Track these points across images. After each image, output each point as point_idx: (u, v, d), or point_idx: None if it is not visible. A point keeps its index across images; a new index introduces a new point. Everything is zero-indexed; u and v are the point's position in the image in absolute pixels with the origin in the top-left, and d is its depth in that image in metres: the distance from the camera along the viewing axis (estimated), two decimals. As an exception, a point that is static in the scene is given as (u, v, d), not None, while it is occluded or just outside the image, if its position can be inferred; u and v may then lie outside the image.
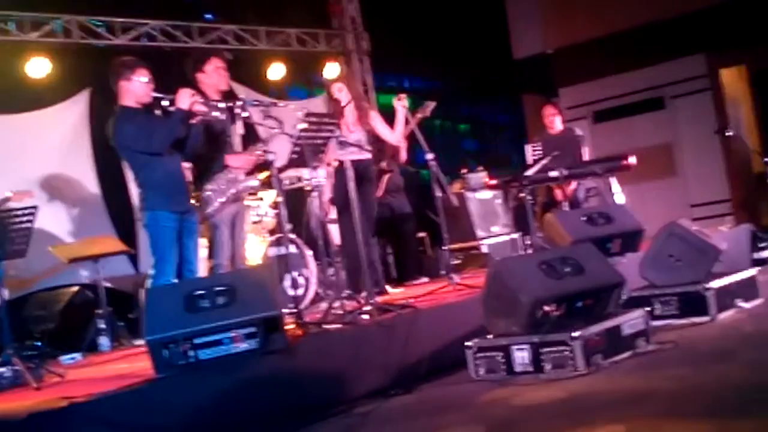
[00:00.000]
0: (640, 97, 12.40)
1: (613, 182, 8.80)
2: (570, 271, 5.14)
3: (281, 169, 6.25)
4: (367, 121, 7.31)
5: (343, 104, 7.20)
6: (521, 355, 4.84)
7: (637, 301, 5.65)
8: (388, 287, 7.29)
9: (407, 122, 7.36)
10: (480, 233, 9.75)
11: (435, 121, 13.26)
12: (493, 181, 9.10)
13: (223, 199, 6.43)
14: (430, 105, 7.97)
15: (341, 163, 6.76)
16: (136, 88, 5.98)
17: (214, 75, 6.58)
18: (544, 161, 7.89)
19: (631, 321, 5.03)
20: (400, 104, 7.34)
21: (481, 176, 9.86)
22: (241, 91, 9.69)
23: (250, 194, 8.03)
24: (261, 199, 8.00)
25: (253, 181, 6.64)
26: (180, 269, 6.00)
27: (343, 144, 6.47)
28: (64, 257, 7.59)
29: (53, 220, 8.37)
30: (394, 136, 7.39)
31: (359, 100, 7.44)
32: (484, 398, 4.56)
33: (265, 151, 6.11)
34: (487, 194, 9.98)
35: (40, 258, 7.43)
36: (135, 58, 6.17)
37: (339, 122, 6.98)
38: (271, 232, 8.03)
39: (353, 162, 6.61)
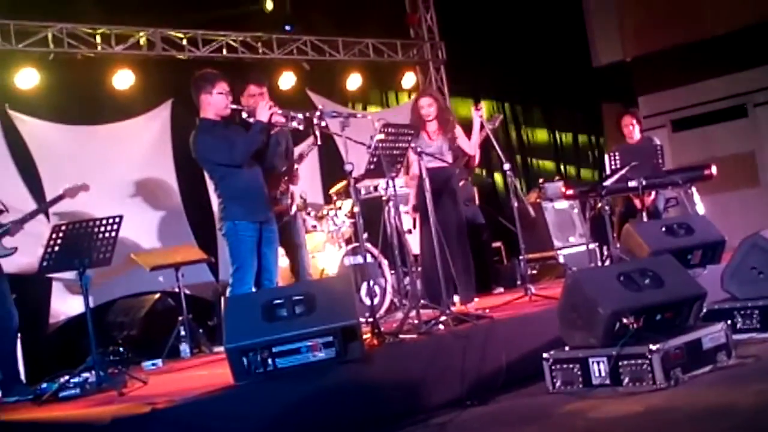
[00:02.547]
0: (721, 105, 12.15)
1: (694, 192, 8.70)
2: (649, 283, 5.08)
3: (358, 179, 6.23)
4: (450, 132, 7.31)
5: (430, 118, 7.20)
6: (599, 368, 4.80)
7: (718, 315, 5.58)
8: (456, 297, 7.28)
9: (481, 131, 7.38)
10: (557, 243, 9.71)
11: (512, 130, 13.24)
12: (570, 191, 9.05)
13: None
14: (498, 118, 7.99)
15: (429, 171, 6.74)
16: (217, 101, 6.01)
17: (252, 102, 6.49)
18: (622, 171, 7.79)
19: (711, 335, 4.97)
20: (478, 114, 7.39)
21: (558, 186, 9.82)
22: (319, 101, 9.55)
23: (327, 203, 8.19)
24: (339, 208, 8.07)
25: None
26: (259, 278, 6.02)
27: (420, 154, 6.51)
28: (147, 265, 7.67)
29: (136, 228, 8.40)
30: (471, 146, 7.41)
31: (445, 112, 7.44)
32: (561, 411, 4.54)
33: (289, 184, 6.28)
34: (564, 204, 9.94)
35: (123, 265, 7.52)
36: (215, 71, 6.20)
37: (420, 131, 7.05)
38: (348, 242, 8.06)
39: (432, 171, 6.63)
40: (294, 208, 6.94)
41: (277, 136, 6.46)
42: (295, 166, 6.96)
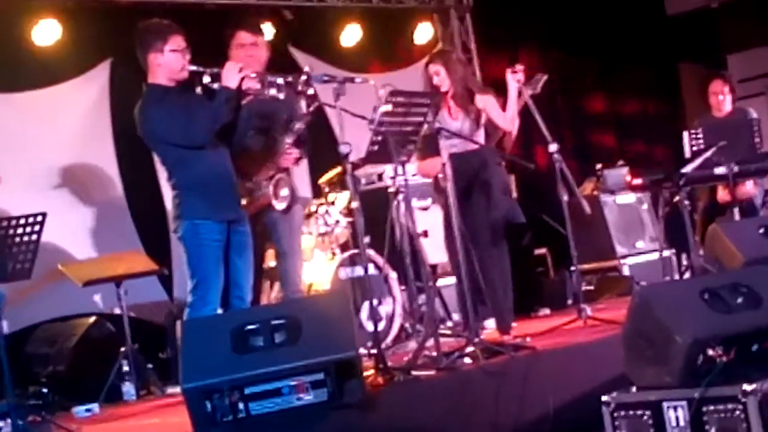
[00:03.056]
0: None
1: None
2: (742, 302, 5.02)
3: (357, 165, 6.30)
4: (473, 108, 7.34)
5: (443, 89, 7.24)
6: (676, 415, 4.78)
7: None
8: (488, 322, 7.38)
9: (519, 99, 7.36)
10: (620, 250, 9.77)
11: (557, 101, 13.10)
12: (638, 181, 8.99)
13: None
14: (541, 79, 7.97)
15: (452, 157, 6.83)
16: (170, 61, 6.02)
17: (241, 55, 6.65)
18: (707, 153, 7.78)
19: (825, 372, 5.00)
20: (514, 78, 7.34)
21: (621, 174, 9.86)
22: (305, 61, 9.80)
23: (316, 197, 8.28)
24: (331, 203, 8.08)
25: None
26: (226, 295, 6.06)
27: (440, 131, 6.55)
28: (78, 279, 7.61)
29: (64, 229, 8.42)
30: (506, 120, 7.38)
31: (464, 82, 7.44)
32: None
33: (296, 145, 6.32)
34: (629, 198, 10.02)
35: (47, 279, 7.57)
36: (167, 21, 6.21)
37: (437, 105, 7.01)
38: (343, 248, 8.06)
39: (456, 156, 6.72)
40: (282, 203, 6.87)
41: (251, 107, 6.48)
42: (285, 140, 6.90)
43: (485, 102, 7.37)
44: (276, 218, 6.84)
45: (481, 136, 7.32)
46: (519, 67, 7.48)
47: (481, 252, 6.72)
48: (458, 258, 6.42)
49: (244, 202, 6.43)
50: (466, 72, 7.66)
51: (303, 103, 6.58)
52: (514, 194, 9.25)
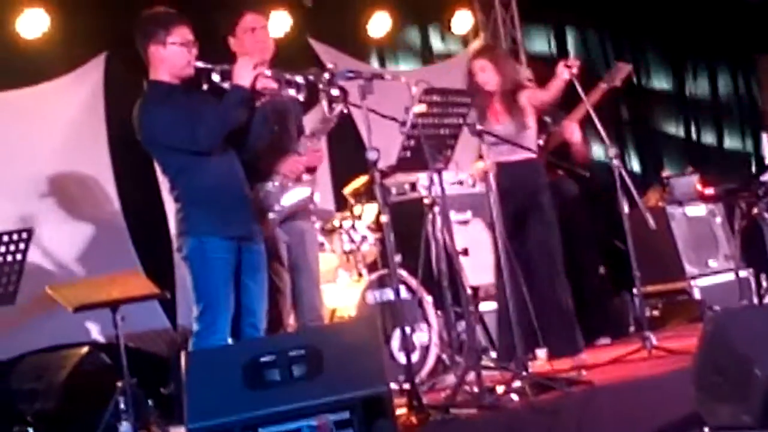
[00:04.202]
0: None
1: None
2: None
3: (387, 173, 6.46)
4: (520, 107, 7.45)
5: (488, 87, 7.35)
6: (756, 461, 4.82)
7: None
8: (539, 351, 7.38)
9: (584, 100, 7.44)
10: (690, 269, 9.67)
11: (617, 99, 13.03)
12: (711, 190, 9.17)
13: (278, 211, 6.56)
14: (623, 69, 7.96)
15: (498, 167, 7.00)
16: (174, 55, 6.02)
17: (249, 40, 6.67)
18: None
19: None
20: (566, 72, 7.33)
21: (691, 182, 9.86)
22: (327, 56, 9.83)
23: (339, 210, 8.30)
24: (357, 217, 8.11)
25: (302, 190, 6.72)
26: (237, 323, 6.05)
27: (481, 134, 6.64)
28: (69, 303, 7.48)
29: (53, 247, 8.46)
30: (547, 94, 7.45)
31: (513, 83, 7.54)
32: None
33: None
34: (700, 210, 9.93)
35: (35, 304, 7.59)
36: (171, 10, 6.20)
37: (482, 108, 7.25)
38: (371, 268, 8.11)
39: (503, 165, 6.92)
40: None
41: (266, 109, 6.49)
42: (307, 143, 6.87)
43: (529, 95, 7.50)
44: (289, 228, 6.80)
45: (532, 141, 7.41)
46: (574, 61, 7.46)
47: (533, 276, 6.79)
48: (504, 278, 6.48)
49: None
50: (516, 70, 7.79)
51: (325, 105, 6.45)
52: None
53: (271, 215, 6.51)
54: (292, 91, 6.11)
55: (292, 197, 6.63)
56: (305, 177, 6.73)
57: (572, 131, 7.94)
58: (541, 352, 7.31)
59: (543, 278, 7.26)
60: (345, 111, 6.33)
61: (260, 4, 8.85)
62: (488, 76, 7.43)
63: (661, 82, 13.82)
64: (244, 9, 6.80)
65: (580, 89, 7.37)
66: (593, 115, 7.29)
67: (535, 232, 7.36)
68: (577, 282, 8.33)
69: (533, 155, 7.39)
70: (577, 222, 8.79)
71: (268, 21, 7.04)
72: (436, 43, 11.90)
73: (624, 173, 7.18)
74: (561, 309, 7.35)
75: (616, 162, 7.19)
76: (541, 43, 12.46)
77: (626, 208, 7.25)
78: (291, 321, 7.13)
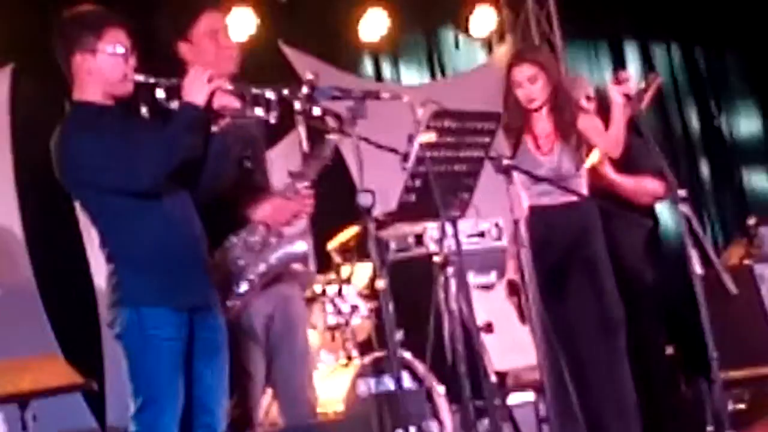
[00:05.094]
0: None
1: None
2: None
3: (384, 222, 6.52)
4: (575, 131, 7.33)
5: (535, 105, 7.22)
6: None
7: None
8: None
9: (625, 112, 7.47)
10: (785, 350, 9.83)
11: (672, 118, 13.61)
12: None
13: (253, 280, 6.33)
14: (655, 80, 8.06)
15: (534, 212, 7.06)
16: (106, 67, 5.72)
17: (209, 47, 6.40)
18: None
19: None
20: (620, 91, 7.21)
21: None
22: (305, 65, 9.91)
23: (322, 271, 8.49)
24: (345, 281, 8.01)
25: (300, 244, 6.52)
26: (189, 423, 5.77)
27: (508, 171, 6.40)
28: None
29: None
30: (610, 139, 7.33)
31: (567, 96, 7.39)
32: None
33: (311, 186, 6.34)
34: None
35: None
36: (102, 9, 5.94)
37: (518, 132, 7.23)
38: (364, 348, 8.02)
39: (546, 211, 6.95)
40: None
41: (227, 134, 6.11)
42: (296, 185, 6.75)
43: (587, 124, 7.34)
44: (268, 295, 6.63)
45: (581, 181, 7.27)
46: (625, 74, 7.48)
47: (583, 355, 6.86)
48: (541, 362, 6.42)
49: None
50: (572, 81, 7.88)
51: (302, 133, 6.34)
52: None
53: (242, 287, 6.27)
54: (259, 111, 5.79)
55: (281, 256, 6.41)
56: (291, 229, 6.62)
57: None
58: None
59: (596, 361, 7.15)
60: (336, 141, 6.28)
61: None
62: (537, 89, 7.18)
63: (742, 98, 14.17)
64: (203, 5, 6.60)
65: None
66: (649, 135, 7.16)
67: (585, 298, 7.21)
68: (638, 365, 8.18)
69: (582, 196, 7.32)
70: (638, 284, 8.56)
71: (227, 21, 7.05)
72: (449, 49, 12.09)
73: (695, 223, 6.90)
74: (620, 403, 7.23)
75: (684, 209, 6.84)
76: (587, 50, 12.78)
77: (699, 268, 6.85)
78: (263, 417, 7.20)
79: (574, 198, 7.20)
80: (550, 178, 7.17)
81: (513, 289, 7.52)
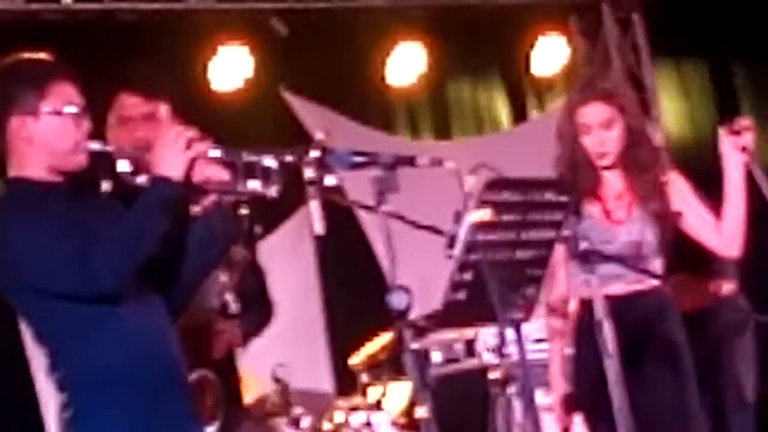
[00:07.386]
0: None
1: None
2: None
3: (425, 328, 7.01)
4: (658, 195, 7.17)
5: (605, 162, 7.18)
6: None
7: None
8: None
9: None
10: None
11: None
12: None
13: None
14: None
15: (584, 305, 6.93)
16: (53, 132, 5.88)
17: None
18: None
19: None
20: (737, 144, 7.12)
21: None
22: (313, 117, 10.19)
23: (342, 394, 8.84)
24: (375, 405, 8.36)
25: None
26: None
27: (591, 260, 6.49)
28: None
29: None
30: (723, 236, 7.28)
31: (650, 148, 7.38)
32: None
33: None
34: None
35: None
36: (48, 57, 6.10)
37: (582, 196, 7.05)
38: None
39: (614, 300, 6.79)
40: None
41: (213, 217, 6.22)
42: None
43: (682, 189, 7.29)
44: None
45: (657, 261, 7.20)
46: (744, 122, 7.24)
47: None
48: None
49: None
50: (645, 126, 7.68)
51: (314, 209, 6.06)
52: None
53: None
54: (254, 184, 5.88)
55: None
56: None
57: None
58: None
59: None
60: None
61: (200, 35, 8.93)
62: (612, 139, 7.16)
63: None
64: (123, 85, 7.07)
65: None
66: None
67: (665, 404, 7.48)
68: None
69: (656, 281, 7.22)
70: (724, 375, 9.12)
71: (162, 101, 7.14)
72: (499, 98, 12.46)
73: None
74: None
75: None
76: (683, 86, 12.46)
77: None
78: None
79: (653, 282, 7.18)
80: (622, 255, 7.09)
81: (568, 405, 7.49)
